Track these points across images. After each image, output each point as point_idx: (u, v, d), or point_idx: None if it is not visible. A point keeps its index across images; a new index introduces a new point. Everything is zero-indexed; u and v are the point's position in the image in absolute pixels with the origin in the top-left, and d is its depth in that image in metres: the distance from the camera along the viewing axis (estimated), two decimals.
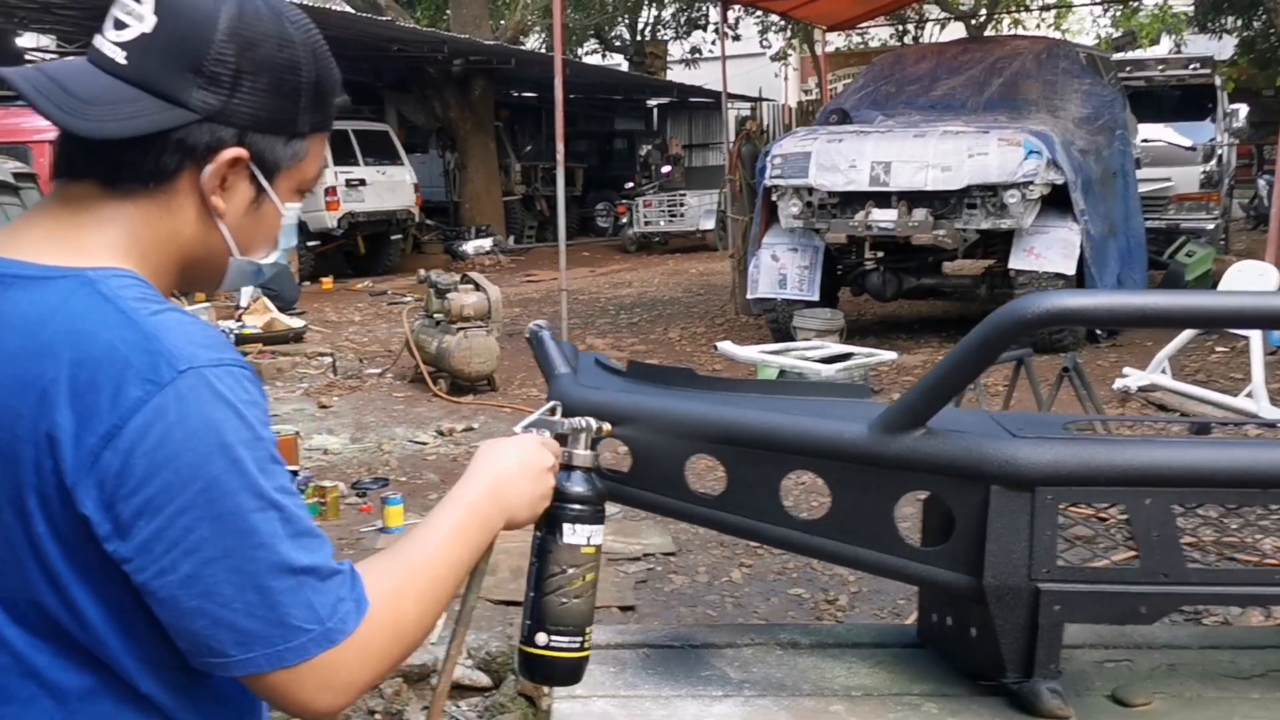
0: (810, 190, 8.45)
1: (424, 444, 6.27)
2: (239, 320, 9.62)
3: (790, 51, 25.84)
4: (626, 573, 4.30)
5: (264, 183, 1.10)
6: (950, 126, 8.47)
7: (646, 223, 19.55)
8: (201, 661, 1.00)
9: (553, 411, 1.44)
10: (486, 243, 18.03)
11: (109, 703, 1.03)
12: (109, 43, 1.06)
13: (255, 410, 1.01)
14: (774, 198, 8.74)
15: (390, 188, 16.47)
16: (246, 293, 10.94)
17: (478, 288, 7.61)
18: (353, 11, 17.75)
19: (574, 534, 1.30)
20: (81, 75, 1.05)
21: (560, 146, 8.59)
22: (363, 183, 16.01)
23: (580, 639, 1.32)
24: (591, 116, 26.16)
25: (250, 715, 1.15)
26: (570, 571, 1.30)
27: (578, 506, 1.31)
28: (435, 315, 7.67)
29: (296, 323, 9.90)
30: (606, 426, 1.44)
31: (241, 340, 8.96)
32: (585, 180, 23.70)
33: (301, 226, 15.68)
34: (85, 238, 1.05)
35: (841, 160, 8.32)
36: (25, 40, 18.30)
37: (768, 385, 2.21)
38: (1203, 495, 1.72)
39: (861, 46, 24.02)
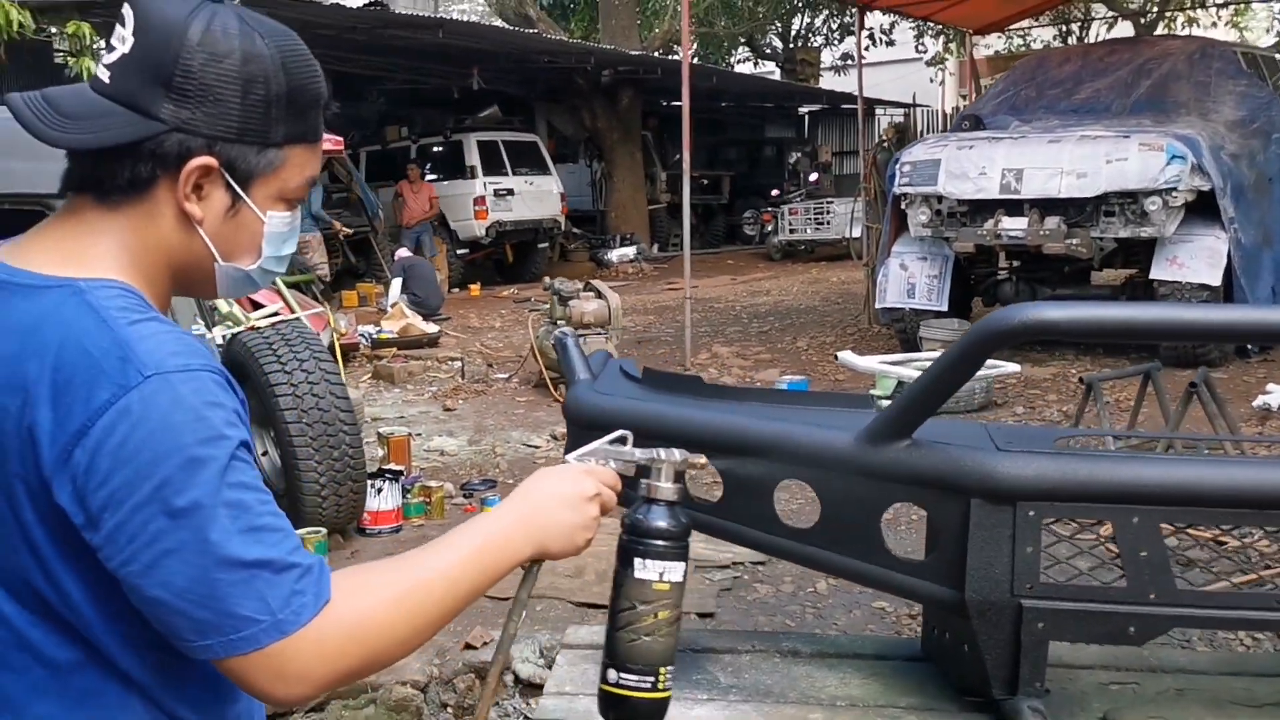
0: (939, 198, 8.30)
1: (536, 447, 6.40)
2: (378, 325, 9.99)
3: (947, 56, 25.26)
4: (712, 580, 4.32)
5: (238, 190, 1.18)
6: (1088, 131, 8.18)
7: (791, 230, 19.43)
8: (174, 644, 1.09)
9: (623, 440, 1.32)
10: (630, 251, 18.24)
11: (96, 675, 1.13)
12: (101, 66, 1.17)
13: (220, 411, 1.09)
14: (903, 206, 8.61)
15: (538, 197, 16.86)
16: (391, 297, 11.40)
17: (599, 295, 7.74)
18: (505, 26, 18.24)
19: (644, 569, 1.25)
20: (74, 96, 1.16)
21: (686, 156, 8.70)
22: (511, 192, 16.44)
23: (652, 679, 1.26)
24: (742, 124, 26.14)
25: (230, 699, 1.22)
26: (640, 608, 1.25)
27: (648, 541, 1.25)
28: (558, 322, 7.83)
29: (431, 328, 10.22)
30: (700, 459, 1.32)
31: (377, 344, 9.31)
32: (733, 188, 23.69)
33: (452, 235, 16.23)
34: (84, 249, 1.16)
35: (971, 167, 8.13)
36: None
37: (773, 395, 2.22)
38: (1194, 515, 1.66)
39: (1022, 49, 23.27)
